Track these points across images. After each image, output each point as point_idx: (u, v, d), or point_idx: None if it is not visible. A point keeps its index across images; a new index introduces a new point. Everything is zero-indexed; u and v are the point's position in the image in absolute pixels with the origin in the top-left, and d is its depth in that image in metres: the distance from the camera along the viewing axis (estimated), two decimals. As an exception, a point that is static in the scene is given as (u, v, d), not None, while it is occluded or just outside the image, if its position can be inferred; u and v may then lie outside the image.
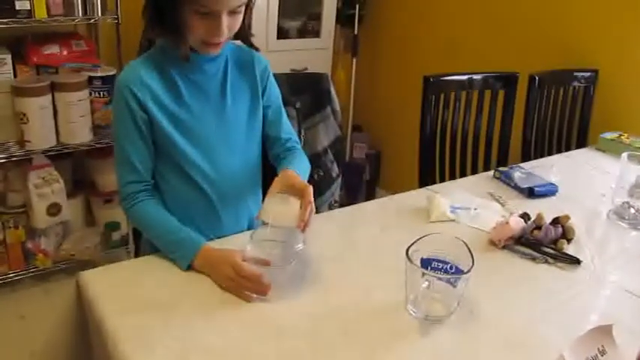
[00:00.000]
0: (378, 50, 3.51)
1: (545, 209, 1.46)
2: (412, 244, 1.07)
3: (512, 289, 1.23)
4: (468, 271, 1.04)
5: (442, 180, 2.24)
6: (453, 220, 1.48)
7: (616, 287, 1.26)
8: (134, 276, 1.19)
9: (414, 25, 3.26)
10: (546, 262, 1.33)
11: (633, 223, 1.56)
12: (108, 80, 2.37)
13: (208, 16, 1.20)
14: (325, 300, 1.13)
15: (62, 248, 2.51)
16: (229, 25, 1.23)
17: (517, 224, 1.38)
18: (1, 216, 2.36)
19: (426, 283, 1.01)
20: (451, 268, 1.10)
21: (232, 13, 1.22)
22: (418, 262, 1.07)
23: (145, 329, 1.02)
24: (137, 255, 2.62)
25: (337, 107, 1.80)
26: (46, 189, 2.34)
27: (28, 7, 2.14)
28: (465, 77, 2.19)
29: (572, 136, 2.45)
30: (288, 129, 1.48)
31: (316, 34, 3.14)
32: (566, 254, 1.34)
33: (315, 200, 1.21)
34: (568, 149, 2.41)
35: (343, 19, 3.34)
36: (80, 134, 2.35)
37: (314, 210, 1.20)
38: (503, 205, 1.60)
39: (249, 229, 1.40)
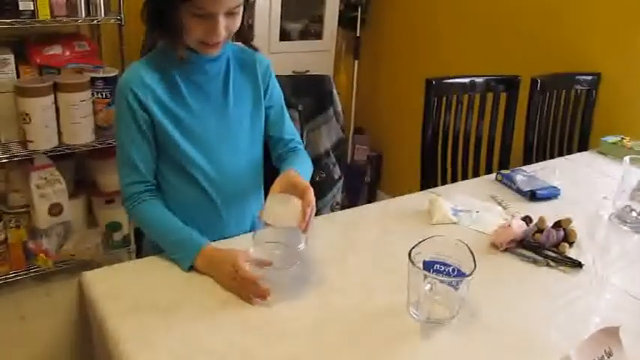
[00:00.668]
0: (379, 53, 3.52)
1: (547, 212, 1.46)
2: (414, 246, 1.07)
3: (513, 292, 1.23)
4: (470, 274, 1.04)
5: (444, 182, 2.24)
6: (455, 223, 1.48)
7: (618, 290, 1.26)
8: (136, 277, 1.20)
9: (415, 27, 3.26)
10: (548, 265, 1.33)
11: (635, 227, 1.55)
12: (110, 81, 2.37)
13: (205, 17, 1.20)
14: (327, 302, 1.13)
15: (63, 248, 2.51)
16: (227, 26, 1.23)
17: (519, 227, 1.39)
18: (2, 216, 2.37)
19: (428, 285, 1.01)
20: (453, 270, 1.10)
21: (230, 14, 1.22)
22: (420, 265, 1.07)
23: (146, 330, 1.02)
24: (139, 256, 2.64)
25: (339, 109, 1.81)
26: (47, 189, 2.34)
27: (32, 8, 2.15)
28: (466, 80, 2.19)
29: (574, 140, 2.44)
30: (290, 129, 1.48)
31: (318, 36, 3.15)
32: (568, 257, 1.34)
33: (316, 202, 1.20)
34: (570, 152, 2.40)
35: (345, 21, 3.34)
36: (82, 135, 2.35)
37: (315, 210, 1.20)
38: (505, 208, 1.60)
39: (251, 229, 1.40)
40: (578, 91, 2.39)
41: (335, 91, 1.79)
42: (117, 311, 1.06)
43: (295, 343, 1.02)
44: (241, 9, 1.26)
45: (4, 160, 2.25)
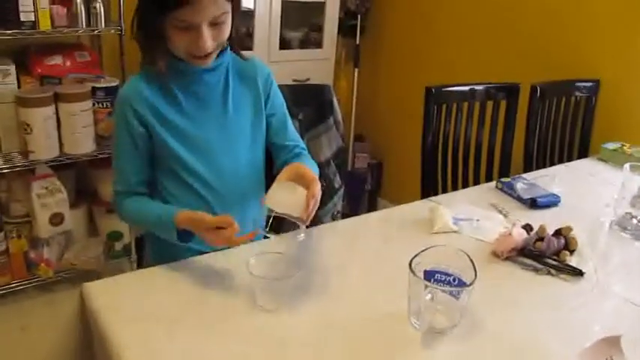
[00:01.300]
0: (379, 60, 3.53)
1: (548, 220, 1.46)
2: (415, 256, 1.07)
3: (514, 300, 1.23)
4: (471, 283, 1.04)
5: (444, 190, 2.24)
6: (456, 232, 1.48)
7: (619, 298, 1.26)
8: (137, 288, 1.20)
9: (414, 35, 3.27)
10: (549, 273, 1.33)
11: (636, 234, 1.55)
12: (111, 91, 2.38)
13: (189, 29, 1.20)
14: (328, 312, 1.13)
15: (64, 258, 2.51)
16: (214, 36, 1.23)
17: (520, 236, 1.39)
18: (4, 226, 2.37)
19: (429, 295, 1.01)
20: (454, 280, 1.10)
21: (215, 24, 1.22)
22: (421, 275, 1.07)
23: (148, 341, 1.02)
24: (140, 265, 2.65)
25: (340, 118, 1.81)
26: (49, 199, 2.35)
27: (33, 19, 2.15)
28: (466, 88, 2.20)
29: (574, 146, 2.45)
30: (294, 136, 1.48)
31: (318, 44, 3.16)
32: (569, 266, 1.34)
33: (317, 211, 1.20)
34: (570, 159, 2.41)
35: (345, 29, 3.36)
36: (83, 144, 2.36)
37: (318, 203, 1.19)
38: (505, 216, 1.60)
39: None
40: (578, 98, 2.39)
41: (335, 101, 1.80)
42: (118, 322, 1.06)
43: (296, 353, 1.01)
44: (228, 17, 1.25)
45: (5, 170, 2.25)
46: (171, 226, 1.23)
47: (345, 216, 1.73)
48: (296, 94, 1.67)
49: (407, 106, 3.33)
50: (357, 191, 3.42)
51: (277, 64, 2.89)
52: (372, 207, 3.56)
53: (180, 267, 1.25)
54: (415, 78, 3.28)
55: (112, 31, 2.37)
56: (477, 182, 2.28)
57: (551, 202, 1.70)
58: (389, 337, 1.07)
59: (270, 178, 1.44)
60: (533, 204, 1.68)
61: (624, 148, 2.14)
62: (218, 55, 1.32)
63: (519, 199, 1.71)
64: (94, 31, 2.36)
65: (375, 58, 3.54)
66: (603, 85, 2.39)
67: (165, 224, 1.24)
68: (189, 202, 1.35)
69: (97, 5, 2.31)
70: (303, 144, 1.49)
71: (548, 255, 1.37)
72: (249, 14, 2.84)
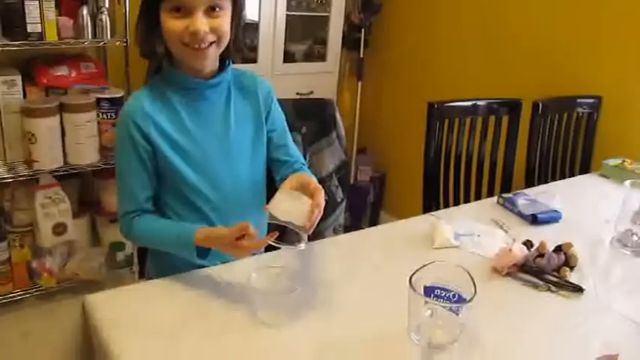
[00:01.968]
0: (382, 73, 3.55)
1: (549, 236, 1.46)
2: (415, 272, 1.08)
3: (515, 316, 1.23)
4: (470, 300, 1.04)
5: (446, 204, 2.25)
6: (457, 247, 1.49)
7: (619, 316, 1.26)
8: (140, 300, 1.20)
9: (418, 49, 3.29)
10: (549, 289, 1.33)
11: (636, 251, 1.55)
12: (115, 102, 2.39)
13: (184, 16, 1.21)
14: (329, 326, 1.14)
15: (67, 267, 2.51)
16: (211, 26, 1.23)
17: (520, 251, 1.39)
18: (7, 235, 2.38)
19: (429, 311, 1.02)
20: (454, 296, 1.11)
21: (211, 10, 1.22)
22: (421, 290, 1.07)
23: (150, 354, 1.02)
24: (142, 275, 2.65)
25: (342, 132, 1.82)
26: (52, 209, 2.36)
27: (39, 30, 2.18)
28: (469, 103, 2.21)
29: (576, 162, 2.46)
30: (294, 152, 1.49)
31: (322, 57, 3.17)
32: (569, 282, 1.34)
33: (319, 224, 1.21)
34: (572, 175, 2.41)
35: (349, 43, 3.37)
36: (87, 155, 2.37)
37: (322, 212, 1.19)
38: (506, 231, 1.61)
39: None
40: (580, 114, 2.40)
41: (338, 115, 1.81)
42: (121, 335, 1.07)
43: (297, 368, 1.02)
44: (226, 10, 1.26)
45: (9, 180, 2.27)
46: (190, 245, 1.23)
47: (347, 229, 1.74)
48: (299, 109, 1.68)
49: (410, 118, 3.34)
50: (359, 204, 3.43)
51: (281, 77, 2.91)
52: (374, 220, 3.57)
53: (181, 280, 1.26)
54: (418, 91, 3.30)
55: (118, 42, 2.39)
56: (478, 196, 2.29)
57: (552, 218, 1.70)
58: (389, 353, 1.07)
59: (271, 193, 1.45)
60: (534, 220, 1.68)
61: (625, 164, 2.14)
62: (220, 71, 1.34)
63: (520, 214, 1.72)
64: (99, 42, 2.38)
65: (379, 71, 3.55)
66: (605, 102, 2.40)
67: (184, 243, 1.24)
68: (190, 218, 1.35)
69: (103, 17, 2.33)
70: (303, 159, 1.50)
71: (548, 271, 1.37)
72: (254, 27, 2.86)
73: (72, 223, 2.43)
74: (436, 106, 2.10)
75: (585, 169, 2.41)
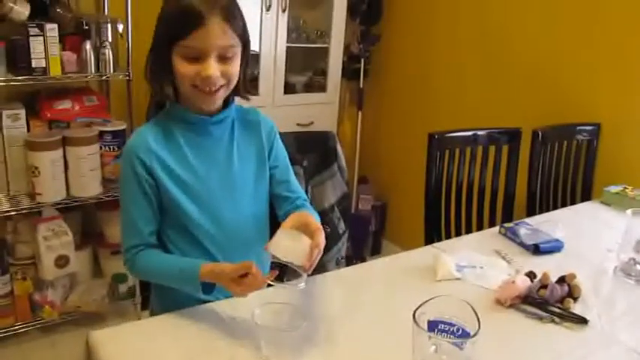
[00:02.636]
0: (382, 103, 3.57)
1: (551, 266, 1.47)
2: (418, 307, 1.08)
3: (519, 349, 1.23)
4: (475, 334, 1.04)
5: (448, 233, 2.25)
6: (459, 279, 1.49)
7: (625, 347, 1.26)
8: (145, 337, 1.20)
9: (417, 78, 3.32)
10: (553, 321, 1.32)
11: (640, 280, 1.56)
12: (118, 135, 2.42)
13: (197, 60, 1.22)
14: (333, 362, 1.14)
15: (69, 300, 2.51)
16: (222, 71, 1.25)
17: (523, 283, 1.39)
18: (9, 267, 2.38)
19: (433, 347, 1.02)
20: (458, 330, 1.10)
21: (223, 58, 1.24)
22: (425, 325, 1.07)
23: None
24: (144, 307, 2.64)
25: (344, 164, 1.83)
26: (54, 241, 2.36)
27: (44, 65, 2.21)
28: (469, 133, 2.22)
29: (577, 190, 2.46)
30: (296, 188, 1.49)
31: (322, 88, 3.19)
32: (573, 314, 1.34)
33: (322, 256, 1.21)
34: (573, 202, 2.42)
35: (349, 73, 3.41)
36: (90, 187, 2.39)
37: (321, 253, 1.19)
38: (509, 262, 1.61)
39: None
40: (579, 142, 2.41)
41: (339, 147, 1.82)
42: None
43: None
44: (237, 55, 1.28)
45: (12, 212, 2.28)
46: (195, 280, 1.22)
47: (349, 258, 1.74)
48: (300, 141, 1.69)
49: (410, 146, 3.35)
50: (361, 233, 3.43)
51: (281, 109, 2.93)
52: (376, 248, 3.56)
53: (185, 315, 1.25)
54: (418, 120, 3.32)
55: (121, 76, 2.42)
56: (480, 225, 2.29)
57: (554, 247, 1.70)
58: (393, 389, 1.07)
59: (273, 228, 1.46)
60: (536, 250, 1.68)
61: (627, 191, 2.14)
62: (225, 107, 1.35)
63: (522, 244, 1.72)
64: (102, 76, 2.41)
65: (378, 100, 3.58)
66: (604, 129, 2.41)
67: (189, 278, 1.24)
68: (192, 253, 1.35)
69: (106, 52, 2.37)
70: (305, 195, 1.50)
71: (551, 302, 1.37)
72: (255, 59, 2.89)
73: (74, 256, 2.43)
74: (436, 137, 2.12)
75: (586, 196, 2.42)
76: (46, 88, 2.44)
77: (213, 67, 1.23)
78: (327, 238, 1.23)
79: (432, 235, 2.19)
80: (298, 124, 2.98)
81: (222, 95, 1.30)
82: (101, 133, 2.40)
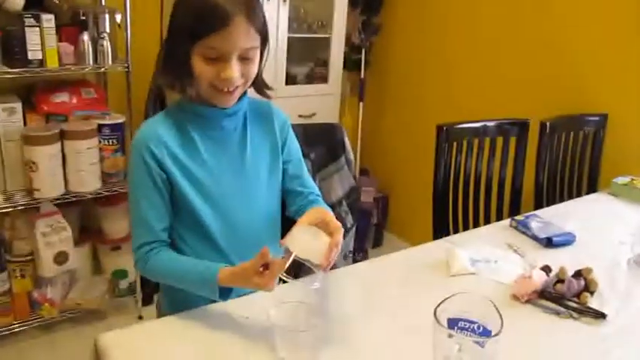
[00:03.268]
0: (384, 94, 3.54)
1: (565, 259, 1.44)
2: (439, 304, 1.04)
3: (540, 346, 1.20)
4: (497, 333, 1.01)
5: (456, 226, 2.22)
6: (474, 274, 1.46)
7: (644, 342, 1.23)
8: (154, 338, 1.16)
9: (419, 68, 3.29)
10: (571, 316, 1.30)
11: (655, 273, 1.53)
12: (117, 128, 2.38)
13: (217, 61, 1.18)
14: (350, 362, 1.10)
15: (69, 297, 2.47)
16: (243, 71, 1.21)
17: (540, 278, 1.36)
18: (7, 265, 2.33)
19: (457, 345, 0.98)
20: (478, 327, 1.07)
21: (244, 59, 1.20)
22: (445, 323, 1.04)
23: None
24: (144, 303, 2.61)
25: (351, 157, 1.80)
26: (53, 237, 2.32)
27: (40, 57, 2.16)
28: (478, 125, 2.18)
29: (584, 180, 2.44)
30: (309, 183, 1.45)
31: (324, 79, 3.15)
32: (591, 308, 1.31)
33: None
34: (579, 193, 2.40)
35: (350, 64, 3.37)
36: (89, 182, 2.34)
37: (339, 252, 1.16)
38: (522, 256, 1.58)
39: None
40: (586, 132, 2.39)
41: (346, 139, 1.79)
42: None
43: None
44: (257, 55, 1.24)
45: (9, 209, 2.23)
46: (214, 285, 1.17)
47: (353, 250, 1.70)
48: (307, 134, 1.65)
49: (412, 138, 3.33)
50: (363, 225, 3.39)
51: (283, 100, 2.87)
52: (378, 241, 3.53)
53: (197, 316, 1.21)
54: (419, 111, 3.29)
55: (119, 68, 2.37)
56: (488, 217, 2.26)
57: (566, 240, 1.68)
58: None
59: (283, 223, 1.42)
60: (548, 243, 1.65)
61: (634, 182, 2.13)
62: (238, 100, 1.31)
63: (535, 238, 1.69)
64: (100, 68, 2.36)
65: (380, 91, 3.55)
66: (611, 119, 2.39)
67: (208, 283, 1.18)
68: (204, 251, 1.31)
69: (104, 43, 2.32)
70: (317, 190, 1.46)
71: (568, 297, 1.34)
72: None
73: (73, 252, 2.39)
74: (445, 128, 2.08)
75: (593, 187, 2.40)
76: (42, 81, 2.39)
77: (234, 70, 1.19)
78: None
79: (441, 229, 2.16)
80: (300, 116, 2.94)
81: (238, 94, 1.27)
82: (100, 127, 2.35)
